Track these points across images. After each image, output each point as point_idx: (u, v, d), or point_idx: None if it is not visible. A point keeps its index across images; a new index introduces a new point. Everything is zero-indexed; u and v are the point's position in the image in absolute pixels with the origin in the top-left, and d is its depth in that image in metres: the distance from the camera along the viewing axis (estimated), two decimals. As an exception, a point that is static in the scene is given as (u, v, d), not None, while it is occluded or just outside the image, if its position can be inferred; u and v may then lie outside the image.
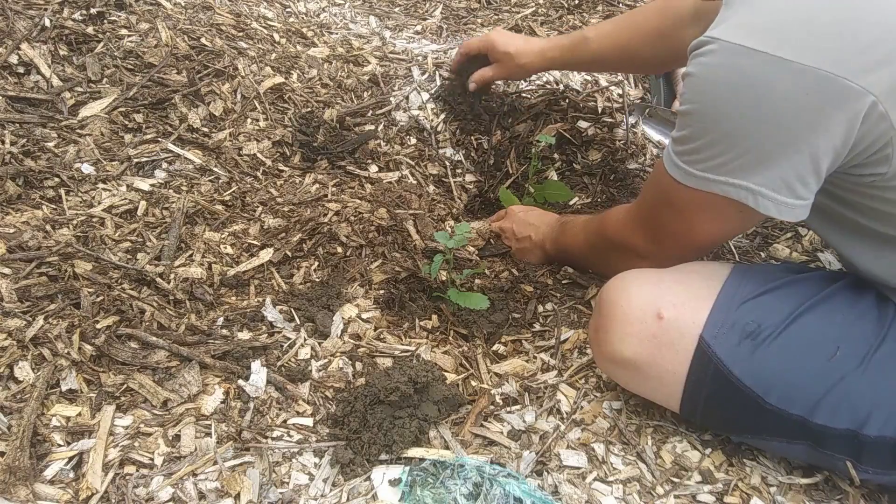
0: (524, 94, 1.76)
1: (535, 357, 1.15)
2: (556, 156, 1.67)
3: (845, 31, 0.76)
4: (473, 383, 1.09)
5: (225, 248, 1.24)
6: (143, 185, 1.32)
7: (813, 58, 0.76)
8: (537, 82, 1.80)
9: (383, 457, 0.93)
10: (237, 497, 0.87)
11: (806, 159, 0.80)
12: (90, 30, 1.53)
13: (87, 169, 1.31)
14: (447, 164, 1.64)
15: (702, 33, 0.85)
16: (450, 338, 1.17)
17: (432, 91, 1.74)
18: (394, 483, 0.90)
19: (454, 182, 1.62)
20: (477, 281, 1.32)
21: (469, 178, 1.66)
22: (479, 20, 2.17)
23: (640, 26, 1.37)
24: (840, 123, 0.77)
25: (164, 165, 1.38)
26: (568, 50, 1.45)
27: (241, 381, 1.01)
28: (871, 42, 0.75)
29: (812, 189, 0.84)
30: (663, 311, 0.93)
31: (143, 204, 1.28)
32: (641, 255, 1.08)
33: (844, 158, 0.81)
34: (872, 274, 0.94)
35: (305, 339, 1.10)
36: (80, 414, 0.94)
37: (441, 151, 1.65)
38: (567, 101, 1.71)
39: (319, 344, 1.10)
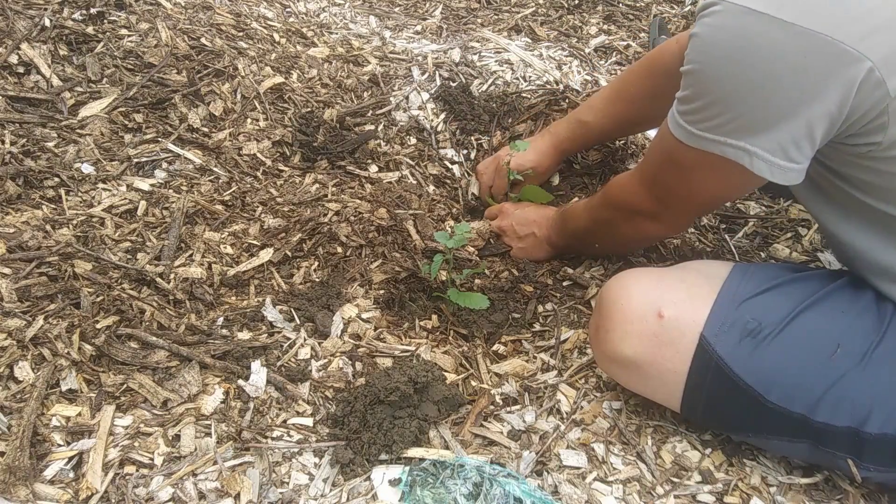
0: (524, 95, 1.76)
1: (535, 357, 1.15)
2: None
3: None
4: (473, 383, 1.09)
5: (225, 248, 1.24)
6: (143, 185, 1.32)
7: (813, 21, 0.76)
8: (537, 82, 1.80)
9: (383, 457, 0.93)
10: (237, 497, 0.87)
11: (801, 123, 0.81)
12: (90, 30, 1.53)
13: (87, 169, 1.31)
14: (449, 164, 1.64)
15: None
16: (450, 338, 1.17)
17: (432, 91, 1.74)
18: (394, 483, 0.90)
19: (461, 185, 1.62)
20: (477, 281, 1.32)
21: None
22: (479, 20, 2.17)
23: (632, 96, 1.40)
24: (836, 88, 0.77)
25: (164, 165, 1.38)
26: (574, 141, 1.50)
27: (241, 381, 1.01)
28: (872, 8, 0.76)
29: (806, 154, 0.84)
30: (664, 310, 0.93)
31: (143, 204, 1.28)
32: (649, 215, 1.09)
33: (840, 126, 0.81)
34: (863, 252, 0.94)
35: (305, 339, 1.10)
36: (80, 414, 0.94)
37: (441, 151, 1.65)
38: (567, 101, 1.71)
39: (319, 344, 1.10)
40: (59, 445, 0.90)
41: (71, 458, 0.89)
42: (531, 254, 1.38)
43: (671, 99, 1.36)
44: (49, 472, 0.87)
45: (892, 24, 0.75)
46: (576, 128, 1.48)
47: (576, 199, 1.59)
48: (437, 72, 1.79)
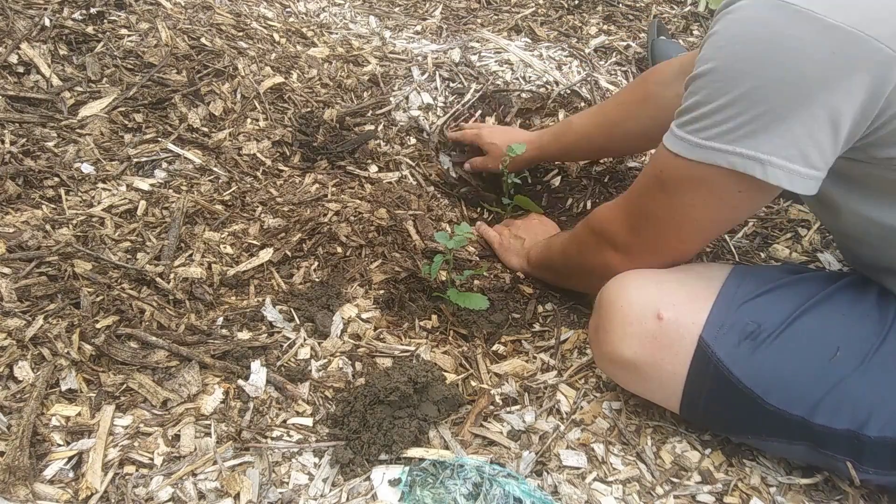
0: (524, 95, 1.76)
1: (534, 357, 1.15)
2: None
3: None
4: (473, 383, 1.09)
5: (225, 247, 1.24)
6: (143, 184, 1.32)
7: (845, 16, 0.73)
8: (537, 82, 1.80)
9: (383, 457, 0.93)
10: (237, 497, 0.87)
11: (825, 122, 0.77)
12: (90, 29, 1.53)
13: (86, 169, 1.31)
14: (448, 165, 1.64)
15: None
16: (450, 338, 1.17)
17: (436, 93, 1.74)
18: (394, 483, 0.90)
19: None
20: (476, 281, 1.32)
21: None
22: (479, 20, 2.17)
23: (621, 98, 1.39)
24: (864, 86, 0.74)
25: (164, 165, 1.38)
26: (555, 134, 1.46)
27: (240, 381, 1.01)
28: None
29: (827, 158, 0.80)
30: (663, 312, 0.92)
31: (142, 204, 1.28)
32: (616, 245, 1.04)
33: (866, 129, 0.78)
34: (872, 249, 0.92)
35: (305, 339, 1.10)
36: (79, 414, 0.94)
37: (441, 151, 1.65)
38: (568, 102, 1.71)
39: (319, 344, 1.10)
40: (59, 445, 0.90)
41: (71, 458, 0.89)
42: (507, 256, 1.37)
43: (658, 106, 1.28)
44: (49, 472, 0.87)
45: None
46: (560, 126, 1.46)
47: (572, 200, 1.59)
48: (437, 72, 1.79)
